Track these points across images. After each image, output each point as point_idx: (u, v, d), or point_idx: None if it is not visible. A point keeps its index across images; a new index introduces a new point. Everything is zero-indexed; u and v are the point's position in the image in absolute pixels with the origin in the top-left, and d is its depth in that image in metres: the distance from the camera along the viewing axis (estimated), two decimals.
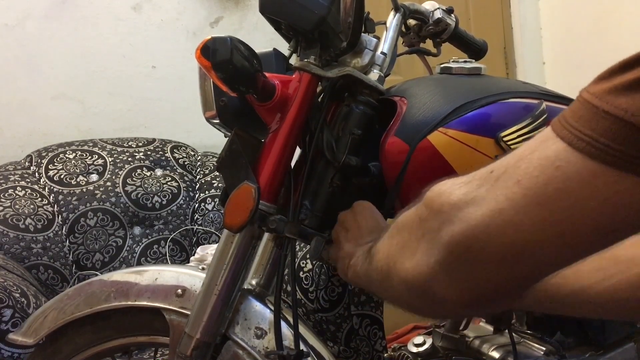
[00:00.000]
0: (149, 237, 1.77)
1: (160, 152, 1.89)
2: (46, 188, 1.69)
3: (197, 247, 1.74)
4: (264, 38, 1.88)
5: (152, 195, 1.78)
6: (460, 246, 0.43)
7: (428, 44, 1.08)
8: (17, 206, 1.60)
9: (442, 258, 0.45)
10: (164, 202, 1.80)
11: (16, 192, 1.63)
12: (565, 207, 0.38)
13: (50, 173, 1.72)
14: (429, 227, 0.47)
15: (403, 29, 1.03)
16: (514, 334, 0.87)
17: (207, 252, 1.56)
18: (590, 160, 0.37)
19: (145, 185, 1.79)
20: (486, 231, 0.41)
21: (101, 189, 1.73)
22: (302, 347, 0.79)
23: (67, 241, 1.66)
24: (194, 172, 1.92)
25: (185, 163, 1.91)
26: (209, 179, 1.89)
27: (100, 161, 1.79)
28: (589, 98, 0.39)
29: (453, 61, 0.89)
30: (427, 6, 1.03)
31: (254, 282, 0.88)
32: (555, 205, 0.39)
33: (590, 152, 0.37)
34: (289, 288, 1.01)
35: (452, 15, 1.04)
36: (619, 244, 0.44)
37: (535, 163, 0.40)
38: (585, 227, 0.39)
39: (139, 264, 1.73)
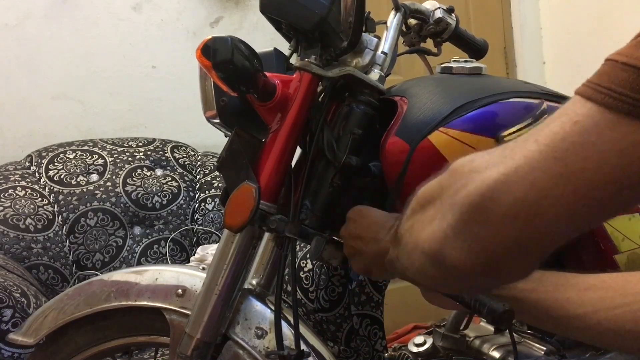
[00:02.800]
0: (149, 237, 1.77)
1: (161, 152, 1.89)
2: (46, 188, 1.69)
3: (197, 247, 1.74)
4: (264, 38, 1.88)
5: (152, 195, 1.78)
6: (473, 206, 0.42)
7: (428, 44, 1.08)
8: (17, 206, 1.60)
9: (454, 221, 0.44)
10: (164, 202, 1.80)
11: (16, 192, 1.63)
12: (581, 160, 0.38)
13: (51, 173, 1.72)
14: (447, 193, 0.46)
15: (403, 28, 1.03)
16: (514, 334, 0.87)
17: (208, 252, 1.56)
18: (608, 111, 0.37)
19: (146, 185, 1.79)
20: (500, 189, 0.41)
21: (101, 189, 1.73)
22: (302, 347, 0.79)
23: (67, 241, 1.66)
24: (194, 172, 1.92)
25: (186, 163, 1.91)
26: (209, 179, 1.89)
27: (100, 161, 1.79)
28: (611, 57, 0.39)
29: (454, 61, 0.89)
30: (428, 6, 1.03)
31: (254, 282, 0.88)
32: (571, 159, 0.38)
33: (608, 103, 0.38)
34: (289, 288, 1.01)
35: (453, 14, 1.04)
36: (630, 276, 0.44)
37: (555, 121, 0.40)
38: (601, 181, 0.38)
39: (139, 264, 1.73)
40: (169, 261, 1.74)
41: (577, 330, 0.59)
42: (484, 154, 0.44)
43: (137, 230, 1.77)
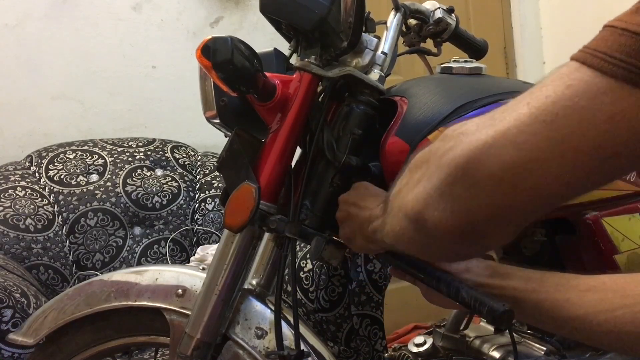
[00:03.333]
0: (149, 237, 1.77)
1: (161, 152, 1.89)
2: (46, 188, 1.69)
3: (197, 247, 1.74)
4: (264, 38, 1.88)
5: (152, 195, 1.78)
6: (458, 168, 0.42)
7: (428, 44, 1.08)
8: (17, 206, 1.60)
9: (439, 182, 0.43)
10: (164, 202, 1.80)
11: (16, 192, 1.63)
12: (569, 124, 0.38)
13: (51, 173, 1.72)
14: (436, 155, 0.45)
15: (403, 28, 1.03)
16: (514, 334, 0.87)
17: (208, 252, 1.56)
18: (602, 75, 0.37)
19: (146, 185, 1.79)
20: (487, 151, 0.40)
21: (101, 189, 1.73)
22: (302, 347, 0.78)
23: (67, 241, 1.66)
24: (194, 172, 1.92)
25: (186, 163, 1.91)
26: (209, 179, 1.89)
27: (100, 161, 1.79)
28: (610, 23, 0.39)
29: (454, 61, 0.89)
30: (428, 6, 1.03)
31: (254, 282, 0.88)
32: (560, 123, 0.38)
33: (602, 67, 0.37)
34: (289, 288, 1.01)
35: (453, 14, 1.04)
36: (630, 277, 0.43)
37: (547, 85, 0.40)
38: (587, 147, 0.38)
39: (139, 264, 1.73)
40: (169, 261, 1.74)
41: (577, 331, 0.59)
42: (476, 118, 0.44)
43: (137, 230, 1.77)
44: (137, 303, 0.89)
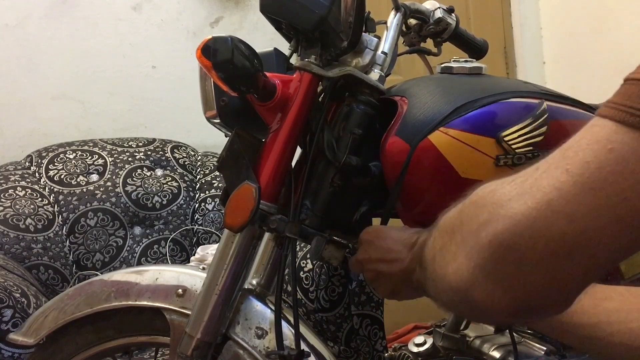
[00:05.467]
0: (149, 237, 1.77)
1: (161, 152, 1.89)
2: (46, 188, 1.69)
3: (198, 247, 1.74)
4: (264, 38, 1.88)
5: (152, 195, 1.78)
6: (503, 246, 0.39)
7: (428, 44, 1.08)
8: (17, 206, 1.60)
9: (482, 261, 0.41)
10: (164, 202, 1.80)
11: (16, 192, 1.63)
12: (622, 190, 0.36)
13: (51, 173, 1.72)
14: (468, 228, 0.43)
15: (404, 28, 1.03)
16: (514, 334, 0.87)
17: (208, 252, 1.56)
18: None
19: (146, 185, 1.79)
20: (532, 226, 0.38)
21: (101, 189, 1.73)
22: (302, 347, 0.78)
23: (68, 241, 1.66)
24: (194, 172, 1.92)
25: (186, 163, 1.91)
26: (209, 179, 1.89)
27: (100, 161, 1.79)
28: (635, 76, 0.37)
29: (454, 61, 0.89)
30: (428, 6, 1.03)
31: (254, 282, 0.88)
32: (612, 189, 0.36)
33: None
34: (289, 288, 1.01)
35: (453, 14, 1.04)
36: None
37: (584, 149, 0.38)
38: None
39: (139, 264, 1.73)
40: (169, 261, 1.74)
41: (587, 339, 0.57)
42: (505, 182, 0.42)
43: (137, 230, 1.77)
44: (137, 303, 0.89)
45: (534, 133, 0.77)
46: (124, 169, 1.79)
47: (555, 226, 0.38)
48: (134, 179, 1.78)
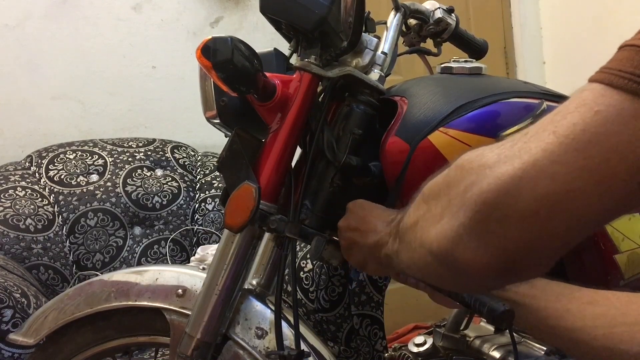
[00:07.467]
0: (150, 237, 1.77)
1: (161, 152, 1.89)
2: (46, 188, 1.69)
3: (198, 247, 1.74)
4: (264, 38, 1.88)
5: (152, 195, 1.78)
6: (489, 204, 0.40)
7: (428, 44, 1.08)
8: (17, 206, 1.60)
9: (467, 220, 0.42)
10: (164, 202, 1.80)
11: (16, 192, 1.63)
12: (604, 151, 0.37)
13: (51, 173, 1.72)
14: (456, 190, 0.44)
15: (403, 28, 1.03)
16: (514, 334, 0.87)
17: (208, 252, 1.56)
18: (632, 98, 0.36)
19: (146, 185, 1.79)
20: (518, 185, 0.39)
21: (101, 189, 1.73)
22: (302, 347, 0.79)
23: (68, 241, 1.66)
24: (194, 172, 1.92)
25: (186, 163, 1.91)
26: (209, 179, 1.89)
27: (100, 161, 1.79)
28: (630, 42, 0.38)
29: (454, 61, 0.89)
30: (428, 6, 1.03)
31: (254, 282, 0.88)
32: (594, 150, 0.37)
33: (631, 88, 0.36)
34: (289, 288, 1.01)
35: (453, 14, 1.04)
36: (635, 297, 0.42)
37: (572, 112, 0.38)
38: (624, 172, 0.37)
39: (139, 264, 1.73)
40: (169, 261, 1.74)
41: (572, 342, 0.58)
42: (493, 147, 0.43)
43: (137, 230, 1.77)
44: (137, 303, 0.89)
45: None
46: (124, 169, 1.79)
47: (539, 185, 0.38)
48: (134, 179, 1.78)
